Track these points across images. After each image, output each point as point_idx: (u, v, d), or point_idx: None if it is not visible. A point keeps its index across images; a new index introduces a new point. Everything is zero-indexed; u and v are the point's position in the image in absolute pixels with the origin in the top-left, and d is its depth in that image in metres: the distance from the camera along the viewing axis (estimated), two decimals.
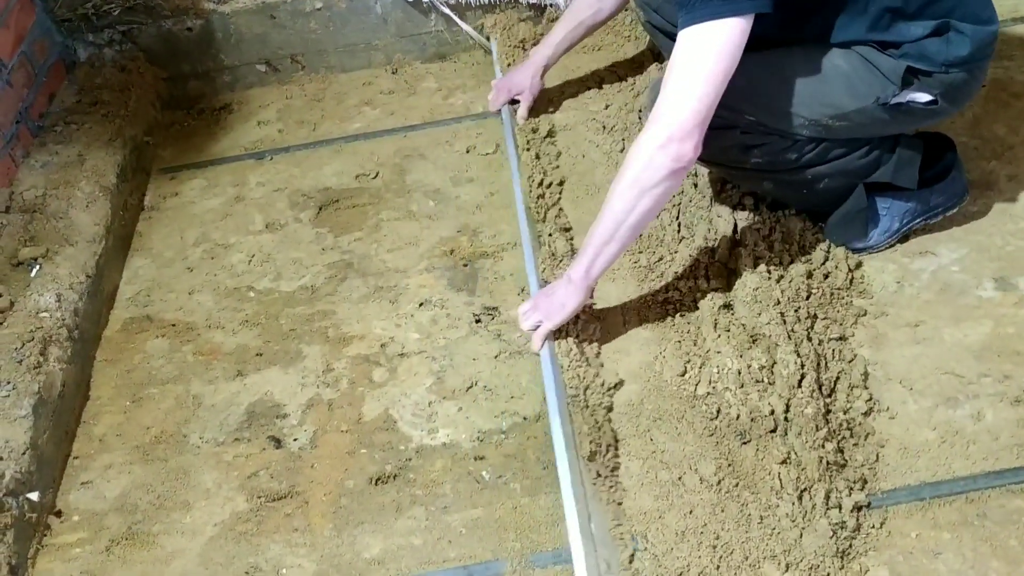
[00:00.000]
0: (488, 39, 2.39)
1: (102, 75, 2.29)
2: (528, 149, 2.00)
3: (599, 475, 1.37)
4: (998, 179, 1.78)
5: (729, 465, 1.35)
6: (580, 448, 1.39)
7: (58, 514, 1.50)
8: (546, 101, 2.16)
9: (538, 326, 1.55)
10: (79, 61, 2.35)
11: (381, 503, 1.45)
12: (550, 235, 1.77)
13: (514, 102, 2.13)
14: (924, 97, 1.47)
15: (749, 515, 1.29)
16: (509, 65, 2.24)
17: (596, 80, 2.23)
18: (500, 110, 2.15)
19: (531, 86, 2.08)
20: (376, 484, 1.47)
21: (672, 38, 1.77)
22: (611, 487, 1.37)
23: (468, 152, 2.13)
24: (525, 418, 1.53)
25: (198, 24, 2.34)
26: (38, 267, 1.76)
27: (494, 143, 2.14)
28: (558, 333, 1.55)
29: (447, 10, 2.35)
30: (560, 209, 1.88)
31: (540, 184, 1.90)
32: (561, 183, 1.94)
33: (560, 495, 1.35)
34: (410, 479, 1.47)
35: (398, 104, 2.33)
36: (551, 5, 2.35)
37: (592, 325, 1.61)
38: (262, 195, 2.11)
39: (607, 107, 2.12)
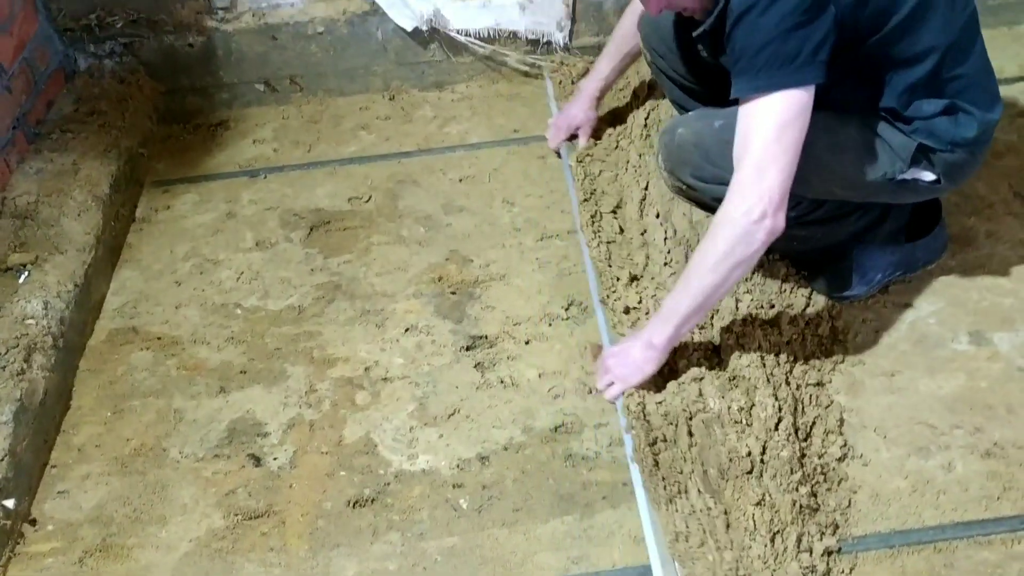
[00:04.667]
0: (542, 73, 2.43)
1: (101, 86, 2.30)
2: (583, 186, 1.99)
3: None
4: (977, 235, 1.82)
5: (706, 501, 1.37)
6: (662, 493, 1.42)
7: (32, 522, 1.49)
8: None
9: (611, 384, 1.55)
10: (79, 70, 2.36)
11: (358, 526, 1.45)
12: (615, 288, 1.76)
13: (572, 137, 2.14)
14: (929, 176, 1.50)
15: (722, 557, 1.31)
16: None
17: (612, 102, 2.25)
18: (559, 148, 2.16)
19: (587, 119, 2.11)
20: (353, 507, 1.47)
21: (675, 83, 1.81)
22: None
23: (461, 181, 2.16)
24: (505, 448, 1.54)
25: (200, 41, 2.36)
26: (27, 274, 1.76)
27: (487, 174, 2.17)
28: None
29: (481, 45, 2.40)
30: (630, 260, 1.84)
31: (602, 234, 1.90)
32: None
33: (539, 527, 1.37)
34: (388, 504, 1.48)
35: (394, 130, 2.36)
36: (551, 42, 2.40)
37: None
38: (254, 213, 2.12)
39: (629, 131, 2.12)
